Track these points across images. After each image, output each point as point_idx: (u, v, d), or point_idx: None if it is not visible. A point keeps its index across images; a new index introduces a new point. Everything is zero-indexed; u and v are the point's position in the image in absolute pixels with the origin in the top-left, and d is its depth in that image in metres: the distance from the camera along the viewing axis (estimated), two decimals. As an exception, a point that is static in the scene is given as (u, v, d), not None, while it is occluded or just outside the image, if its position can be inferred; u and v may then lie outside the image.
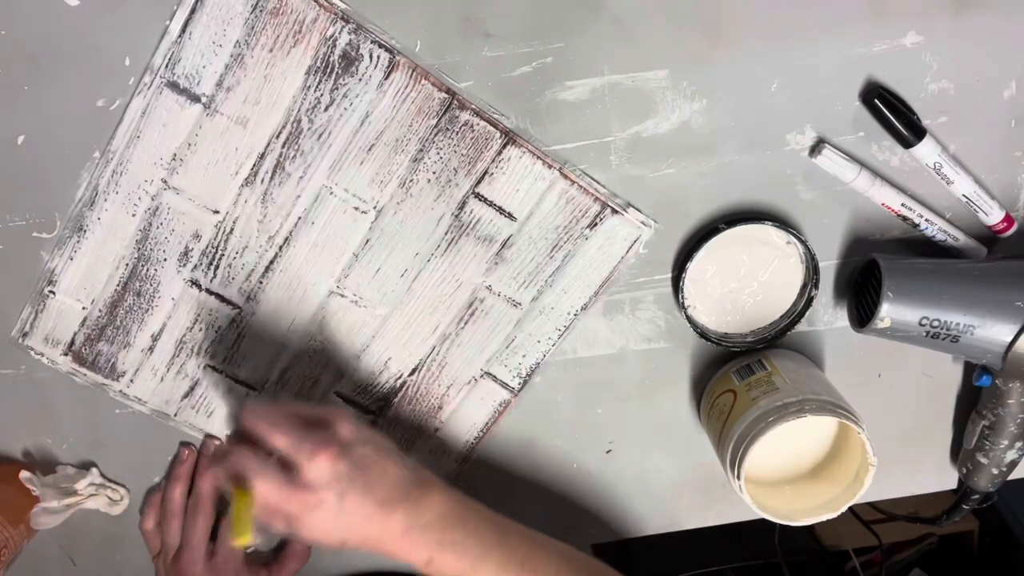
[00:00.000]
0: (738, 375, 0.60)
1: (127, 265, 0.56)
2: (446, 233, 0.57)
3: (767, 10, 0.53)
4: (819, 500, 0.59)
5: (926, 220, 0.58)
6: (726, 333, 0.61)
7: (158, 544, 0.62)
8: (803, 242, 0.56)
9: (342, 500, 0.46)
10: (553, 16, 0.52)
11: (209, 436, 0.62)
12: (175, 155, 0.54)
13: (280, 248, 0.57)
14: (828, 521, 0.58)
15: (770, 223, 0.56)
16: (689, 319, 0.59)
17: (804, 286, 0.59)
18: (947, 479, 0.67)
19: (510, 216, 0.57)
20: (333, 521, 0.46)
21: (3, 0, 0.50)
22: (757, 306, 0.60)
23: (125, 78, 0.52)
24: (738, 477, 0.56)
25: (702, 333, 0.60)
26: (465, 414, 0.62)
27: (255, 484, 0.46)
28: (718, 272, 0.59)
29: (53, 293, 0.57)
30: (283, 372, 0.60)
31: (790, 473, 0.63)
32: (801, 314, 0.60)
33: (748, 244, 0.58)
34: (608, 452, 0.65)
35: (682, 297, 0.58)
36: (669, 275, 0.60)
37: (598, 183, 0.56)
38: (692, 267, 0.57)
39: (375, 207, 0.56)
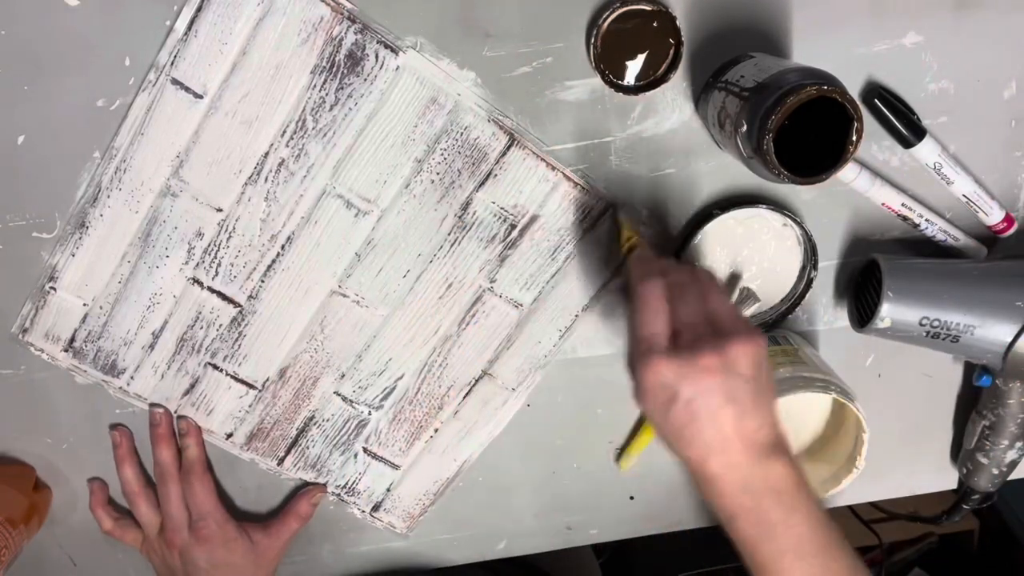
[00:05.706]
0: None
1: (129, 262, 0.56)
2: (449, 234, 0.57)
3: (766, 10, 0.53)
4: (817, 479, 0.59)
5: (926, 220, 0.58)
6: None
7: (133, 535, 0.62)
8: (799, 223, 0.56)
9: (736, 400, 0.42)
10: (553, 16, 0.53)
11: (153, 405, 0.61)
12: (179, 153, 0.54)
13: (283, 247, 0.57)
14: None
15: (764, 206, 0.56)
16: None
17: (803, 268, 0.59)
18: (947, 479, 0.67)
19: (513, 218, 0.57)
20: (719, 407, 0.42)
21: (3, 0, 0.50)
22: (757, 291, 0.59)
23: (125, 78, 0.52)
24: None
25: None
26: (466, 415, 0.62)
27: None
28: (716, 259, 0.58)
29: (54, 289, 0.57)
30: (283, 371, 0.60)
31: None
32: (802, 296, 0.59)
33: (744, 229, 0.58)
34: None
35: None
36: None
37: (601, 185, 0.56)
38: (687, 255, 0.57)
39: (378, 207, 0.56)
